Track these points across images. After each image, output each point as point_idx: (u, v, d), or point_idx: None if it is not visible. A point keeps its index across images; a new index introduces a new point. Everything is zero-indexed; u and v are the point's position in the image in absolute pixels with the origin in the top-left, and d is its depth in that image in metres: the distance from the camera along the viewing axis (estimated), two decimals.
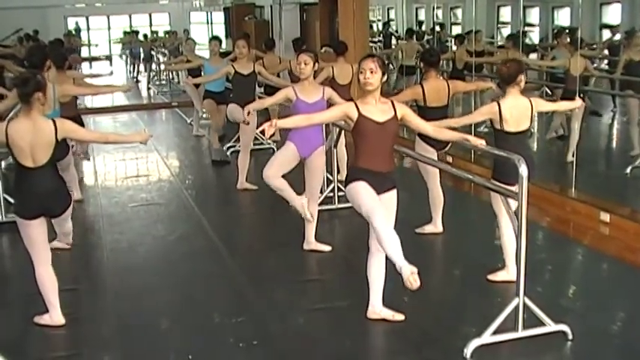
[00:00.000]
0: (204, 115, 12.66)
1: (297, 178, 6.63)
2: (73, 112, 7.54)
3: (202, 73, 11.36)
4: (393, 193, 4.97)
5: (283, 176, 6.53)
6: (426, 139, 6.42)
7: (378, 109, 4.84)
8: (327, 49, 11.80)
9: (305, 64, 6.34)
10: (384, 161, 4.88)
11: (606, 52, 11.68)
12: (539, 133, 11.30)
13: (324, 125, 7.02)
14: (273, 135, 11.18)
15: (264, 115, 10.72)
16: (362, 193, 4.78)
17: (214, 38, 11.44)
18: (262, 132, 4.65)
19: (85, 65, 23.62)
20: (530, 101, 5.52)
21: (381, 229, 4.59)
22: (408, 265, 4.44)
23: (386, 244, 4.58)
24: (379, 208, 4.69)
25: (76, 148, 8.84)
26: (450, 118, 6.44)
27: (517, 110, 5.44)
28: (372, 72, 4.77)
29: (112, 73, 11.91)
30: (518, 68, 5.51)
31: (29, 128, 4.76)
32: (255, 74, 8.98)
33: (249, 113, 6.31)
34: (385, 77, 4.87)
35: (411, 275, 4.39)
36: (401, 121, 4.92)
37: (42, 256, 5.04)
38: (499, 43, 13.21)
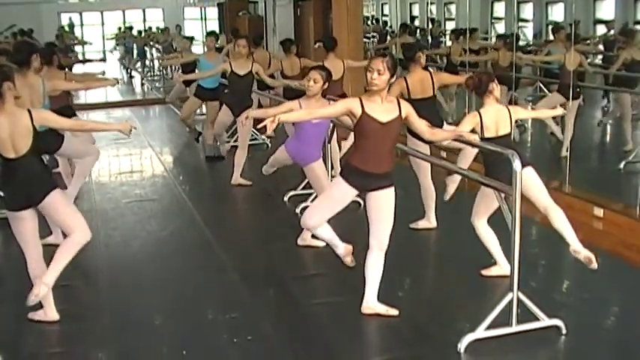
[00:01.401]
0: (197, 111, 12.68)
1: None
2: (63, 103, 7.54)
3: (197, 69, 11.33)
4: (386, 192, 4.96)
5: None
6: (416, 135, 6.42)
7: (382, 108, 4.82)
8: (321, 44, 11.79)
9: (314, 82, 6.26)
10: (381, 162, 4.88)
11: (601, 47, 11.69)
12: (532, 129, 11.31)
13: (325, 138, 7.06)
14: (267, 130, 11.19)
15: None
16: (332, 195, 5.09)
17: (210, 34, 11.40)
18: (263, 127, 4.65)
19: (79, 66, 23.46)
20: (508, 109, 5.56)
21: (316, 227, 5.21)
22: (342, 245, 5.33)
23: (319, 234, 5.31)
24: (318, 219, 5.12)
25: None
26: (439, 110, 6.49)
27: (496, 118, 5.46)
28: (379, 73, 4.74)
29: (104, 72, 11.84)
30: (487, 78, 5.53)
31: (6, 120, 4.78)
32: (252, 74, 8.95)
33: (247, 118, 6.30)
34: (394, 78, 4.86)
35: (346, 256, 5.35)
36: (404, 120, 4.92)
37: (33, 251, 5.03)
38: (493, 39, 13.21)
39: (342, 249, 5.34)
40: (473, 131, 5.33)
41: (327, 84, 6.35)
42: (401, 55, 12.87)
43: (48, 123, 5.06)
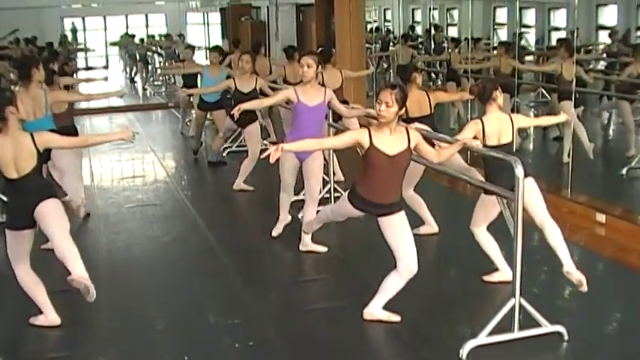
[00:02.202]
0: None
1: (296, 179, 6.63)
2: (68, 123, 7.56)
3: (199, 79, 11.33)
4: (395, 217, 4.95)
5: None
6: None
7: (391, 140, 4.79)
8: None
9: (308, 66, 6.32)
10: (387, 193, 4.87)
11: (604, 54, 11.69)
12: (534, 135, 11.30)
13: (324, 130, 7.04)
14: (269, 136, 11.21)
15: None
16: (342, 211, 5.29)
17: (215, 49, 11.36)
18: (267, 157, 4.64)
19: (81, 73, 23.48)
20: (510, 118, 5.56)
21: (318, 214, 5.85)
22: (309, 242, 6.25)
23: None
24: (333, 220, 5.68)
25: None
26: (437, 126, 6.57)
27: (499, 126, 5.47)
28: (387, 105, 4.70)
29: (106, 78, 11.86)
30: (491, 86, 5.53)
31: (10, 143, 4.84)
32: (257, 91, 8.95)
33: (239, 109, 6.33)
34: (402, 111, 4.84)
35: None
36: (414, 149, 4.91)
37: (23, 266, 5.09)
38: (495, 45, 13.22)
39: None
40: (475, 138, 5.34)
41: (319, 67, 6.42)
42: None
43: (51, 144, 5.16)
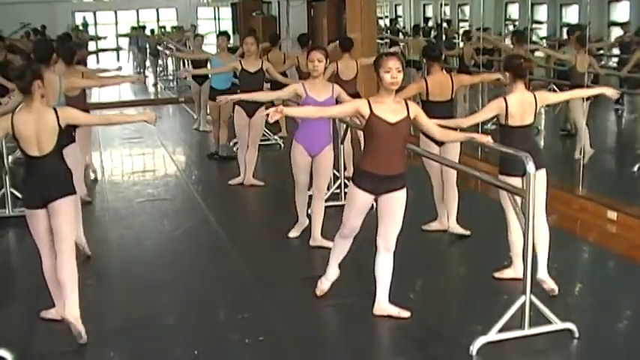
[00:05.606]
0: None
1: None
2: (81, 107, 7.54)
3: (209, 67, 11.32)
4: (399, 195, 4.94)
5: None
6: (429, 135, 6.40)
7: (391, 109, 4.80)
8: (336, 45, 11.78)
9: (318, 61, 6.32)
10: (392, 164, 4.85)
11: (615, 50, 11.63)
12: (545, 131, 11.28)
13: (331, 123, 7.02)
14: (280, 131, 11.21)
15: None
16: (354, 207, 5.06)
17: (222, 34, 11.38)
18: (267, 115, 4.66)
19: (92, 58, 23.62)
20: (534, 96, 5.52)
21: (339, 239, 5.34)
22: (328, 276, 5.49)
23: (333, 248, 5.45)
24: (352, 228, 5.18)
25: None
26: (454, 113, 6.46)
27: (522, 105, 5.44)
28: (399, 71, 4.74)
29: (120, 68, 11.91)
30: (526, 63, 5.51)
31: (33, 118, 4.83)
32: (263, 72, 8.95)
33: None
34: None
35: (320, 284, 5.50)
36: (413, 121, 4.90)
37: (48, 249, 5.05)
38: (507, 40, 13.18)
39: (331, 275, 5.53)
40: (487, 132, 5.31)
41: (327, 61, 6.43)
42: (414, 57, 12.95)
43: (74, 121, 5.15)
